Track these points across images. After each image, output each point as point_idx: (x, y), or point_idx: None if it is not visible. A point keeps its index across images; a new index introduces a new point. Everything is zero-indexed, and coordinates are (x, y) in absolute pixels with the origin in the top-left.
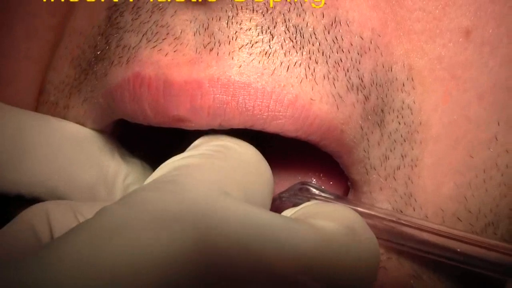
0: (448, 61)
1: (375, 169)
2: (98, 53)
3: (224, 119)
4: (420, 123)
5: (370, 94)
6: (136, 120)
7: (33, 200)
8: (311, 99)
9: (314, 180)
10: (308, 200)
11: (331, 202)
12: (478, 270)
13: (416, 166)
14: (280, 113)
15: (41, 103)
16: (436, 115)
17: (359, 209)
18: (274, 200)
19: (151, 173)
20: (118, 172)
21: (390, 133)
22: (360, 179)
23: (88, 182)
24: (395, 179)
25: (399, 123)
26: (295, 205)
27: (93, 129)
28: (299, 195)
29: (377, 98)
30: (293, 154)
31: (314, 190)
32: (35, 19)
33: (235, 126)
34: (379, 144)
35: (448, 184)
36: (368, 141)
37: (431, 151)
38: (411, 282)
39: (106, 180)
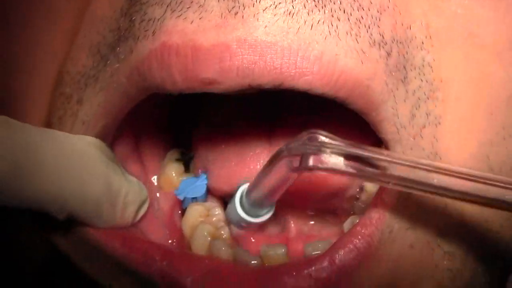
0: (464, 18)
1: (405, 128)
2: (122, 33)
3: (253, 78)
4: (441, 81)
5: (391, 50)
6: (163, 88)
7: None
8: (336, 54)
9: None
10: (319, 150)
11: (343, 150)
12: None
13: (440, 124)
14: (308, 70)
15: (57, 96)
16: (455, 73)
17: (376, 156)
18: (281, 151)
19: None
20: (120, 189)
21: (414, 90)
22: (392, 138)
23: (95, 197)
24: (422, 138)
25: (421, 80)
26: (304, 156)
27: (101, 131)
28: (309, 144)
29: (399, 55)
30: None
31: (323, 138)
32: (54, 4)
33: (264, 86)
34: (405, 101)
35: (471, 143)
36: (395, 97)
37: (453, 109)
38: (437, 240)
39: (111, 196)
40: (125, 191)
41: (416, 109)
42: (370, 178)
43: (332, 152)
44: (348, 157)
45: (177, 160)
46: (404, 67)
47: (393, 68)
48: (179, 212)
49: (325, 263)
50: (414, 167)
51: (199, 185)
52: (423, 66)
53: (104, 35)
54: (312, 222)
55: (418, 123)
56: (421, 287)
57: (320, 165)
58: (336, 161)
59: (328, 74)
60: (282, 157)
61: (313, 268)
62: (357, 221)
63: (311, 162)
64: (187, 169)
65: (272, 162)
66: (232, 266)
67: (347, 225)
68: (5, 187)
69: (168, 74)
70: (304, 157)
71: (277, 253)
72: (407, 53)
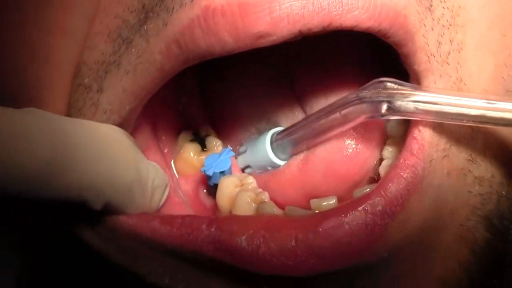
0: None
1: (434, 56)
2: (149, 10)
3: (303, 23)
4: (460, 7)
5: None
6: (209, 54)
7: (80, 204)
8: None
9: None
10: (392, 97)
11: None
12: None
13: (462, 49)
14: (354, 6)
15: (75, 87)
16: None
17: (441, 95)
18: (351, 100)
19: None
20: (148, 174)
21: (438, 18)
22: (424, 68)
23: (128, 183)
24: (448, 64)
25: (443, 8)
26: (374, 102)
27: (124, 117)
28: (382, 92)
29: None
30: None
31: (392, 85)
32: None
33: (314, 29)
34: (432, 30)
35: (488, 65)
36: (425, 26)
37: (471, 34)
38: (468, 166)
39: (141, 181)
40: (152, 176)
41: (441, 36)
42: (443, 118)
43: (402, 98)
44: (417, 100)
45: (191, 141)
46: None
47: None
48: (204, 191)
49: (378, 197)
50: (489, 103)
51: (224, 159)
52: None
53: (123, 18)
54: None
55: (444, 50)
56: (458, 214)
57: (392, 111)
58: (407, 105)
59: (372, 8)
60: (353, 104)
61: (368, 202)
62: (391, 163)
63: (384, 108)
64: (203, 149)
65: (338, 108)
66: (286, 218)
67: (382, 168)
68: (44, 180)
69: (216, 37)
70: (376, 104)
71: (330, 203)
72: None
